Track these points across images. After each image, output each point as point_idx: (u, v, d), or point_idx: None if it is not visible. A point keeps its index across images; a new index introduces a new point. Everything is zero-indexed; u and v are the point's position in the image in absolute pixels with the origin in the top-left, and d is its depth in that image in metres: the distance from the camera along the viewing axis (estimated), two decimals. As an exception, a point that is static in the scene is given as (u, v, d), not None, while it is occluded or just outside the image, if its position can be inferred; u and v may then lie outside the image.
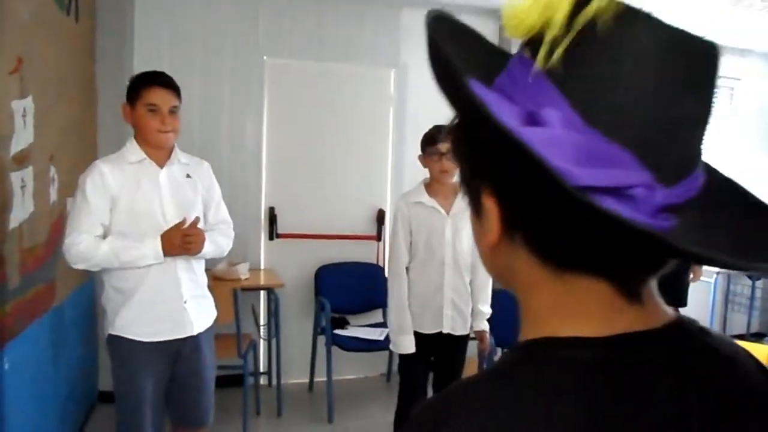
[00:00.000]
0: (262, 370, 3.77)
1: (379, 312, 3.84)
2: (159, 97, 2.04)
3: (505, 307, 2.92)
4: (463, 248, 2.52)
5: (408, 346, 2.50)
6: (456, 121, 0.51)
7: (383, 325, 3.69)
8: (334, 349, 3.46)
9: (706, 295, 4.55)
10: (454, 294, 2.52)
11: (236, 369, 3.20)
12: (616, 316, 0.46)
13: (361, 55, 3.89)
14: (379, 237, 4.00)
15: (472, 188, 0.50)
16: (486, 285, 2.60)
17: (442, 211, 2.51)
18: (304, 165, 3.88)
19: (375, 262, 3.98)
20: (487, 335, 2.63)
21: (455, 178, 2.52)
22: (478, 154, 0.49)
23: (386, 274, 3.82)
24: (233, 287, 3.08)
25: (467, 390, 0.48)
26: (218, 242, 2.24)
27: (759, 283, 5.05)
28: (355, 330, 3.63)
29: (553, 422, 0.42)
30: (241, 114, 3.72)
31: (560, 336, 0.46)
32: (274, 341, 3.55)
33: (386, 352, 3.70)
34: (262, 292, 3.71)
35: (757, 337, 5.09)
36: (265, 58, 3.72)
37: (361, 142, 3.98)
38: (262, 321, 3.72)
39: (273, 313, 3.50)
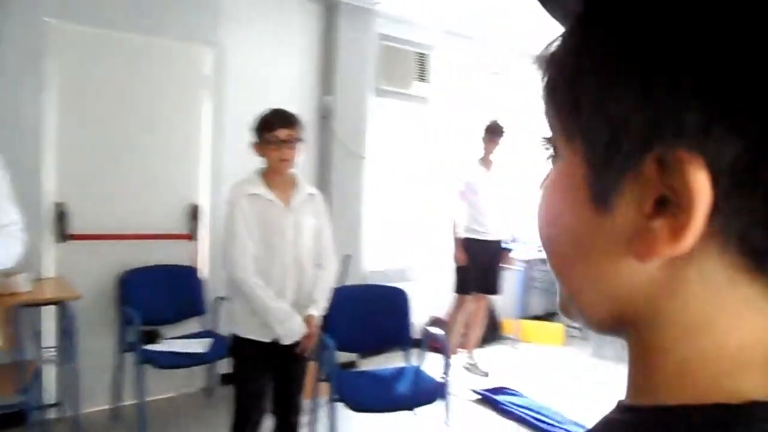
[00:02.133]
0: (52, 401, 3.09)
1: (196, 320, 3.41)
2: None
3: (343, 308, 2.77)
4: (306, 246, 2.27)
5: (300, 324, 2.22)
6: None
7: (205, 334, 3.28)
8: (146, 367, 2.96)
9: (514, 282, 4.90)
10: (297, 297, 2.26)
11: (14, 407, 2.55)
12: None
13: (170, 28, 3.38)
14: (193, 235, 3.55)
15: (618, 158, 0.30)
16: (329, 283, 2.38)
17: (282, 205, 2.23)
18: (103, 153, 3.26)
19: (190, 264, 3.53)
20: (316, 323, 2.32)
21: (295, 167, 2.27)
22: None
23: (199, 275, 3.45)
24: (10, 303, 2.45)
25: None
26: (9, 248, 1.74)
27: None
28: (171, 343, 3.16)
29: None
30: (13, 86, 2.98)
31: (761, 400, 0.28)
32: (68, 365, 2.92)
33: (205, 365, 3.30)
34: (49, 307, 3.03)
35: (550, 315, 5.66)
36: (46, 20, 3.03)
37: (171, 128, 3.48)
38: (50, 342, 3.04)
39: (66, 331, 2.87)
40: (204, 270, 3.57)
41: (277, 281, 2.21)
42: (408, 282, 4.33)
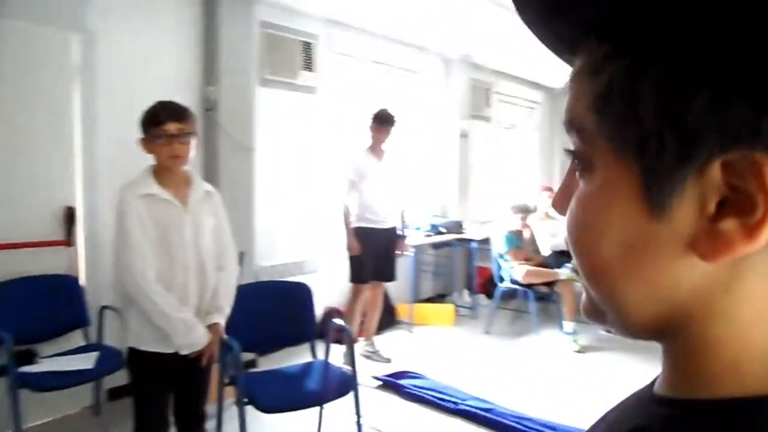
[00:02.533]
0: None
1: (78, 333, 3.12)
2: None
3: (245, 308, 2.67)
4: (207, 247, 2.15)
5: (203, 334, 2.10)
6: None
7: (90, 347, 3.02)
8: (22, 391, 2.65)
9: (406, 267, 5.01)
10: (200, 302, 2.14)
11: None
12: None
13: (29, 10, 3.02)
14: (70, 241, 3.23)
15: (681, 165, 0.31)
16: (232, 284, 2.27)
17: (179, 205, 2.09)
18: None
19: (68, 273, 3.21)
20: (221, 331, 2.22)
21: (188, 163, 2.14)
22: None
23: (79, 284, 3.16)
24: None
25: None
26: None
27: (440, 252, 5.82)
28: (50, 362, 2.86)
29: None
30: None
31: None
32: None
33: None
34: None
35: (441, 297, 5.89)
36: None
37: (35, 122, 3.11)
38: None
39: None
40: (84, 278, 3.27)
41: (179, 286, 2.07)
42: (303, 275, 4.29)
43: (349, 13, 4.50)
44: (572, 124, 0.36)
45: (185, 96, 3.56)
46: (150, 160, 2.11)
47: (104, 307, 3.14)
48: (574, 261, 0.39)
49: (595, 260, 0.36)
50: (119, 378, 2.99)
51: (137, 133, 2.10)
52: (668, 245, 0.32)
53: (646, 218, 0.33)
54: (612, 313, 0.37)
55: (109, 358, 2.89)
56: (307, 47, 4.32)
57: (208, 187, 2.22)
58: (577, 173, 0.38)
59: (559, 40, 0.39)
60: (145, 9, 3.45)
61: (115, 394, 3.30)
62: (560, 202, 0.40)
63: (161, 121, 2.02)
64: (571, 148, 0.38)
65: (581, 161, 0.37)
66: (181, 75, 3.68)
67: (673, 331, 0.35)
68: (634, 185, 0.33)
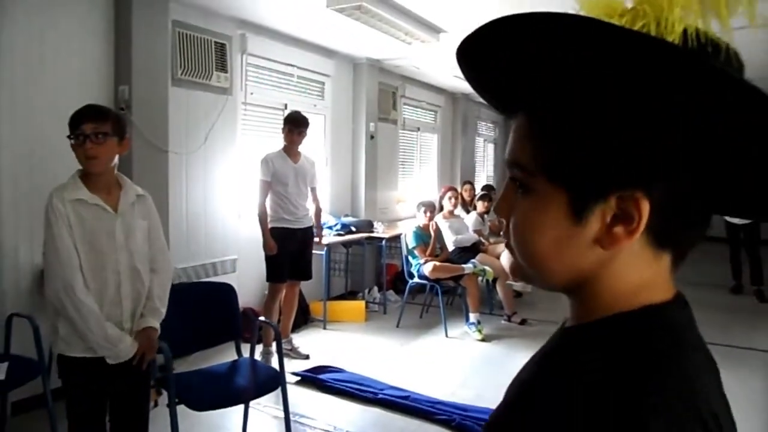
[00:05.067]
0: None
1: (-18, 343, 2.96)
2: None
3: (171, 310, 2.68)
4: (140, 250, 2.16)
5: (130, 346, 2.10)
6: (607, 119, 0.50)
7: (-2, 358, 2.87)
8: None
9: (318, 265, 5.13)
10: (135, 305, 2.15)
11: None
12: (670, 283, 0.56)
13: None
14: (-29, 246, 3.05)
15: (591, 195, 0.52)
16: (166, 286, 2.30)
17: (109, 209, 2.09)
18: None
19: (-31, 280, 3.03)
20: (156, 337, 2.21)
21: (113, 165, 2.12)
22: (630, 147, 0.50)
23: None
24: None
25: (646, 368, 0.48)
26: None
27: (351, 251, 5.99)
28: (-45, 374, 2.70)
29: (708, 371, 0.54)
30: None
31: (654, 303, 0.54)
32: None
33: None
34: None
35: (352, 294, 6.06)
36: None
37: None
38: None
39: None
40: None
41: (112, 291, 2.07)
42: (219, 276, 4.30)
43: (263, 16, 4.55)
44: (515, 163, 0.57)
45: (97, 96, 3.48)
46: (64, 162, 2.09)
47: (12, 315, 3.00)
48: (506, 253, 0.61)
49: (533, 249, 0.56)
50: (26, 390, 2.89)
51: (45, 135, 2.07)
52: (582, 241, 0.53)
53: (570, 224, 0.53)
54: (539, 278, 0.58)
55: (20, 369, 2.78)
56: (221, 48, 4.32)
57: (140, 190, 2.22)
58: (519, 193, 0.57)
59: (498, 106, 0.64)
60: (50, 4, 3.32)
61: (22, 407, 3.16)
62: (502, 210, 0.59)
63: (77, 122, 2.02)
64: (513, 176, 0.58)
65: (523, 186, 0.56)
66: (92, 73, 3.56)
67: (578, 287, 0.57)
68: (563, 204, 0.53)
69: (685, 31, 0.48)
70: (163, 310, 2.24)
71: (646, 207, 0.50)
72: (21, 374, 2.77)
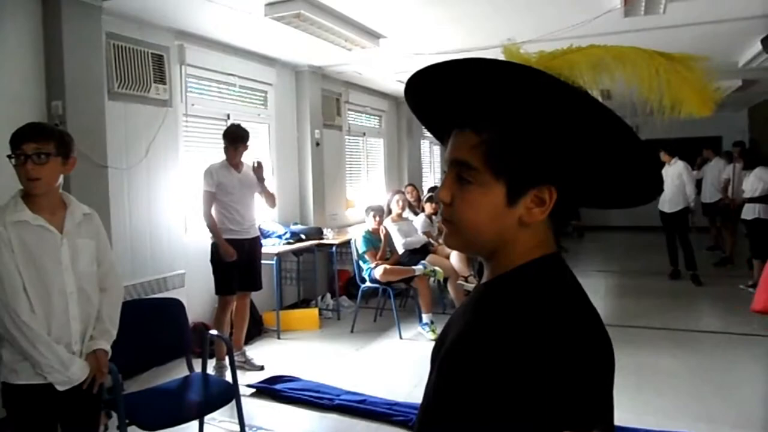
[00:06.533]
0: None
1: None
2: None
3: (130, 334, 2.62)
4: (87, 271, 2.10)
5: (80, 369, 2.04)
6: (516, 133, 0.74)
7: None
8: None
9: (269, 275, 5.09)
10: (85, 326, 2.09)
11: None
12: (553, 243, 0.79)
13: None
14: None
15: (523, 187, 0.75)
16: (117, 306, 2.24)
17: (54, 230, 2.03)
18: None
19: None
20: (107, 359, 2.15)
21: (57, 185, 2.06)
22: (550, 156, 0.73)
23: None
24: None
25: (542, 312, 0.69)
26: None
27: (302, 258, 5.97)
28: None
29: (590, 309, 0.75)
30: None
31: (547, 254, 0.77)
32: None
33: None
34: None
35: (305, 302, 6.04)
36: None
37: None
38: None
39: None
40: None
41: (59, 314, 2.00)
42: (167, 292, 4.21)
43: (200, 25, 4.49)
44: (462, 162, 0.76)
45: (29, 111, 3.37)
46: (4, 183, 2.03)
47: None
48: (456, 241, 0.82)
49: (474, 223, 0.77)
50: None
51: None
52: (510, 219, 0.76)
53: (504, 207, 0.75)
54: (473, 245, 0.81)
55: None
56: (159, 59, 4.24)
57: (87, 209, 2.16)
58: (460, 184, 0.77)
59: (435, 131, 0.88)
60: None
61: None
62: (446, 195, 0.78)
63: (19, 141, 1.96)
64: (457, 172, 0.78)
65: (466, 179, 0.76)
66: (22, 88, 3.44)
67: (497, 251, 0.78)
68: (501, 192, 0.75)
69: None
70: (114, 332, 2.19)
71: (554, 195, 0.75)
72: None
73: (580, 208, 0.84)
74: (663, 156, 6.88)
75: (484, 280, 0.81)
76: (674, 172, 6.73)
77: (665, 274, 7.03)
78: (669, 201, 6.73)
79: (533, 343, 0.64)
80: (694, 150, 7.96)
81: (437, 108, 0.83)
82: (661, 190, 0.77)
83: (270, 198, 4.42)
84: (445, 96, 0.79)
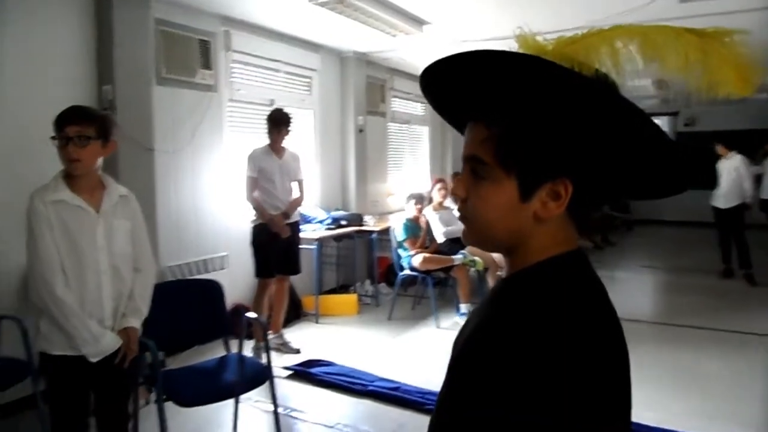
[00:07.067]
0: None
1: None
2: None
3: (159, 307, 2.70)
4: (121, 251, 2.18)
5: (112, 342, 2.13)
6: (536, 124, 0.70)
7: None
8: None
9: (309, 260, 5.15)
10: (117, 304, 2.17)
11: None
12: (575, 240, 0.77)
13: None
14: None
15: (535, 182, 0.72)
16: (149, 286, 2.31)
17: (91, 210, 2.10)
18: None
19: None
20: (137, 334, 2.23)
21: (97, 168, 2.14)
22: (561, 149, 0.71)
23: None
24: None
25: (566, 312, 0.67)
26: None
27: (342, 244, 6.01)
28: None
29: (608, 307, 0.72)
30: None
31: (568, 251, 0.74)
32: None
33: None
34: None
35: (344, 288, 6.09)
36: None
37: None
38: None
39: None
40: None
41: (92, 291, 2.09)
42: (209, 273, 4.31)
43: (246, 12, 4.54)
44: (474, 157, 0.74)
45: (81, 96, 3.48)
46: (49, 162, 2.11)
47: (0, 317, 3.02)
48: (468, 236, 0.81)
49: (488, 219, 0.75)
50: (14, 393, 2.90)
51: (31, 135, 2.08)
52: (525, 214, 0.73)
53: (517, 202, 0.73)
54: (489, 241, 0.79)
55: (9, 371, 2.80)
56: (205, 45, 4.32)
57: (124, 191, 2.24)
58: (474, 179, 0.75)
59: (451, 120, 0.86)
60: (33, 7, 3.31)
61: (10, 410, 3.17)
62: (461, 191, 0.77)
63: (61, 125, 2.04)
64: (471, 167, 0.76)
65: (479, 174, 0.74)
66: (75, 73, 3.56)
67: (515, 247, 0.76)
68: (514, 188, 0.73)
69: (596, 71, 0.70)
70: (145, 310, 2.26)
71: (569, 189, 0.71)
72: (10, 376, 2.79)
73: (602, 201, 0.80)
74: (720, 149, 6.58)
75: (504, 275, 0.80)
76: (730, 166, 6.43)
77: (716, 273, 6.75)
78: (724, 196, 6.44)
79: (547, 339, 0.64)
80: (756, 142, 7.57)
81: (451, 102, 0.81)
82: (686, 179, 0.72)
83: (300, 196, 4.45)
84: (457, 90, 0.77)
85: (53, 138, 2.05)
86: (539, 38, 0.73)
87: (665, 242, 9.90)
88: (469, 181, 0.76)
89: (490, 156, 0.72)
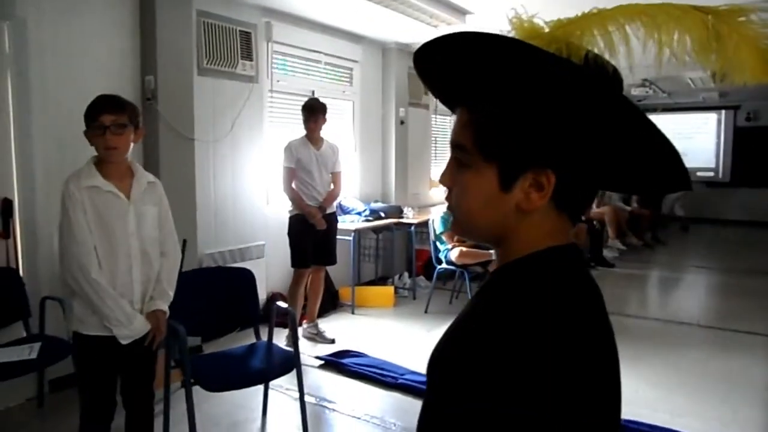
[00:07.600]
0: None
1: (19, 325, 3.12)
2: None
3: (191, 293, 2.76)
4: (150, 236, 2.23)
5: (142, 324, 2.20)
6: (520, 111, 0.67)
7: (31, 338, 3.03)
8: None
9: (346, 251, 5.17)
10: (145, 288, 2.23)
11: None
12: (568, 234, 0.73)
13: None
14: (6, 233, 3.21)
15: (516, 171, 0.69)
16: (175, 270, 2.37)
17: (122, 196, 2.16)
18: None
19: (6, 265, 3.19)
20: (165, 317, 2.28)
21: (127, 155, 2.20)
22: (542, 137, 0.67)
23: (19, 276, 3.15)
24: None
25: (551, 302, 0.65)
26: None
27: (381, 236, 6.01)
28: (-8, 353, 2.86)
29: (598, 297, 0.70)
30: None
31: (557, 245, 0.70)
32: None
33: (34, 373, 3.04)
34: None
35: (382, 280, 6.09)
36: None
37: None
38: None
39: None
40: (23, 270, 3.26)
41: (123, 274, 2.16)
42: (246, 262, 4.38)
43: (287, 2, 4.56)
44: (457, 144, 0.72)
45: (123, 85, 3.58)
46: (91, 150, 2.18)
47: (45, 298, 3.15)
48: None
49: (470, 210, 0.73)
50: (62, 368, 3.03)
51: (74, 123, 2.15)
52: (507, 204, 0.70)
53: (498, 191, 0.70)
54: (473, 232, 0.77)
55: (52, 349, 2.92)
56: (246, 36, 4.37)
57: (151, 177, 2.30)
58: (458, 167, 0.73)
59: (445, 101, 0.81)
60: (78, -3, 3.43)
61: (58, 385, 3.32)
62: (445, 180, 0.75)
63: (96, 113, 2.09)
64: (455, 155, 0.74)
65: (463, 162, 0.72)
66: (119, 64, 3.67)
67: (502, 238, 0.73)
68: (494, 177, 0.70)
69: (586, 54, 0.65)
70: (171, 293, 2.32)
71: (552, 179, 0.67)
72: (53, 354, 2.91)
73: (592, 192, 0.75)
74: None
75: (493, 268, 0.78)
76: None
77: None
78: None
79: (528, 332, 0.62)
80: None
81: (442, 85, 0.78)
82: (682, 172, 0.67)
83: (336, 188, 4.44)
84: (444, 72, 0.74)
85: (88, 130, 2.11)
86: (537, 21, 0.70)
87: (724, 242, 9.45)
88: (453, 169, 0.74)
89: (470, 142, 0.70)
